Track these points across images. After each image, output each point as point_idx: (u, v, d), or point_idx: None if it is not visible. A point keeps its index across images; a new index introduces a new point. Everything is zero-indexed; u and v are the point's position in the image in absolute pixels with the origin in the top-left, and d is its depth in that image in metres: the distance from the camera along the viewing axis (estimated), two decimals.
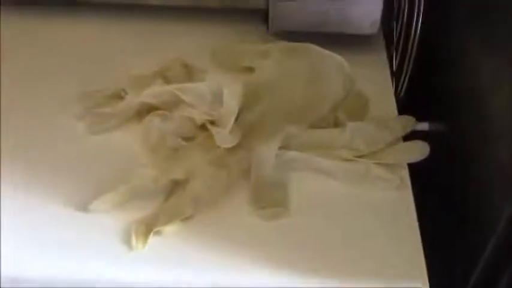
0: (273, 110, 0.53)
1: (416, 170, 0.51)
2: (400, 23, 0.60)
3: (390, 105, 0.57)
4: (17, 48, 0.64)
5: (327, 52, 0.57)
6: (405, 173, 0.50)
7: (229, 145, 0.50)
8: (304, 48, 0.58)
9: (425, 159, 0.50)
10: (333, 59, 0.57)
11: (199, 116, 0.52)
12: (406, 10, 0.57)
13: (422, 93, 0.61)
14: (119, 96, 0.56)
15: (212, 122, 0.52)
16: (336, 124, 0.53)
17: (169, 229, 0.45)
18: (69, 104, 0.56)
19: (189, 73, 0.58)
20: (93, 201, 0.46)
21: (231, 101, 0.52)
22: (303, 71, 0.56)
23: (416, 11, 0.51)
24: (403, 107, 0.58)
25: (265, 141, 0.50)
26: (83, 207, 0.46)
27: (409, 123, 0.53)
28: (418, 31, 0.52)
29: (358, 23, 0.60)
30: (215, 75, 0.58)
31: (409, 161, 0.51)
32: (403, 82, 0.57)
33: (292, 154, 0.50)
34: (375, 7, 0.58)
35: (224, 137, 0.50)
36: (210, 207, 0.47)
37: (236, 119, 0.51)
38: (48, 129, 0.54)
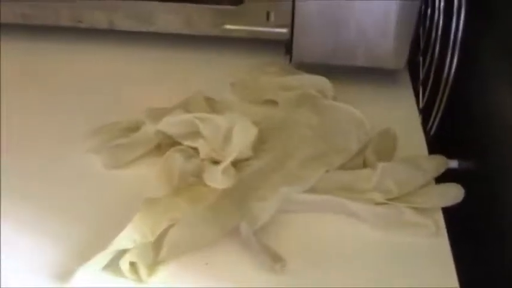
0: (283, 161, 0.49)
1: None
2: (428, 57, 0.58)
3: (420, 143, 0.54)
4: (26, 77, 0.62)
5: (343, 106, 0.55)
6: (440, 218, 0.47)
7: (219, 186, 0.47)
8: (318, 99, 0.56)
9: None
10: (349, 114, 0.54)
11: (205, 152, 0.49)
12: (437, 45, 0.55)
13: (451, 128, 0.59)
14: (136, 128, 0.53)
15: (216, 162, 0.49)
16: (365, 165, 0.51)
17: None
18: (82, 138, 0.53)
19: (212, 107, 0.55)
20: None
21: (240, 139, 0.49)
22: (315, 122, 0.53)
23: (450, 49, 0.49)
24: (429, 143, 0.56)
25: (264, 198, 0.46)
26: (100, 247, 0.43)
27: (442, 163, 0.50)
28: (453, 70, 0.50)
29: (384, 58, 0.58)
30: (235, 110, 0.55)
31: (444, 205, 0.48)
32: (434, 120, 0.55)
33: (320, 196, 0.47)
34: (403, 41, 0.57)
35: (214, 176, 0.47)
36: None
37: (244, 161, 0.48)
38: (59, 164, 0.51)
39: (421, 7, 0.57)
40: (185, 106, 0.55)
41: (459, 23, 0.48)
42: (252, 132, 0.48)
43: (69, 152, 0.53)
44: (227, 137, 0.48)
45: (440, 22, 0.54)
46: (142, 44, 0.66)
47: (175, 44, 0.65)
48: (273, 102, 0.58)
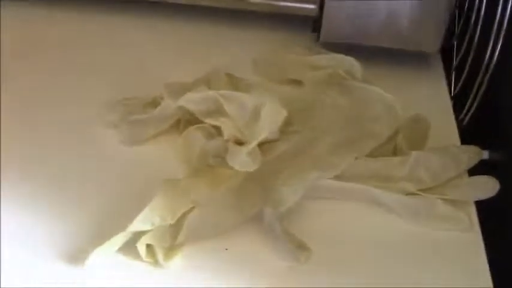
0: (311, 145, 0.47)
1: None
2: (466, 41, 0.55)
3: (452, 132, 0.52)
4: (41, 47, 0.59)
5: (373, 88, 0.52)
6: (473, 211, 0.45)
7: (243, 169, 0.44)
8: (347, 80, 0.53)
9: None
10: (379, 97, 0.51)
11: (228, 131, 0.47)
12: (478, 30, 0.51)
13: (482, 117, 0.56)
14: (156, 104, 0.50)
15: (240, 142, 0.46)
16: (395, 152, 0.48)
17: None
18: (100, 112, 0.51)
19: (233, 84, 0.53)
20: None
21: (269, 121, 0.46)
22: (346, 105, 0.51)
23: (494, 33, 0.46)
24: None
25: (289, 183, 0.43)
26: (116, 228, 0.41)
27: (476, 154, 0.48)
28: (496, 56, 0.47)
29: (417, 40, 0.55)
30: (261, 89, 0.52)
31: (478, 198, 0.46)
32: (470, 109, 0.52)
33: (348, 183, 0.45)
34: (439, 23, 0.54)
35: (238, 157, 0.44)
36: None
37: (269, 144, 0.46)
38: (74, 140, 0.49)
39: None
40: (206, 82, 0.52)
41: (507, 5, 0.45)
42: (282, 113, 0.46)
43: (85, 128, 0.50)
44: (253, 117, 0.46)
45: (483, 4, 0.51)
46: (161, 16, 0.63)
47: (196, 17, 0.63)
48: (297, 82, 0.55)
